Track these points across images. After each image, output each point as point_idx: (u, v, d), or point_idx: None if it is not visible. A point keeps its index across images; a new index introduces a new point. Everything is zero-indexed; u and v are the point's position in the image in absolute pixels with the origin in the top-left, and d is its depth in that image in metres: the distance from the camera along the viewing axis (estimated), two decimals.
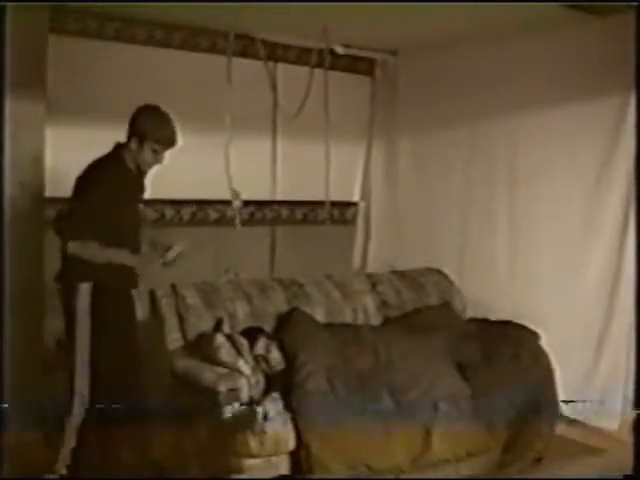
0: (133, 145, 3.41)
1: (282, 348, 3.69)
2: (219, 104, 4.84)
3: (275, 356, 3.65)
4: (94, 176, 3.39)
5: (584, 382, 4.38)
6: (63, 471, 3.36)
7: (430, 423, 3.63)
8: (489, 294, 4.79)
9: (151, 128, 3.41)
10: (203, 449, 3.42)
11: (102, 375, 3.32)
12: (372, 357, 3.85)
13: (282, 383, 3.54)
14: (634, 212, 4.15)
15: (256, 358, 3.63)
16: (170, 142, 3.48)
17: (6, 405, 3.40)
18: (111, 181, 3.37)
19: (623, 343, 4.22)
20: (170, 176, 4.68)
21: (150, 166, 3.52)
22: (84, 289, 3.31)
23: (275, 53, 5.17)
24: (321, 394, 3.50)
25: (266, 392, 3.51)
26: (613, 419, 4.24)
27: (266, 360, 3.63)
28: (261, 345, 3.67)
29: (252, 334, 3.77)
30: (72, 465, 3.35)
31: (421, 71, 5.39)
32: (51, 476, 3.36)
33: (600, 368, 4.37)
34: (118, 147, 3.46)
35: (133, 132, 3.42)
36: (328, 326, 4.09)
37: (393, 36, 5.05)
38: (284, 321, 3.98)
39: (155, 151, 3.45)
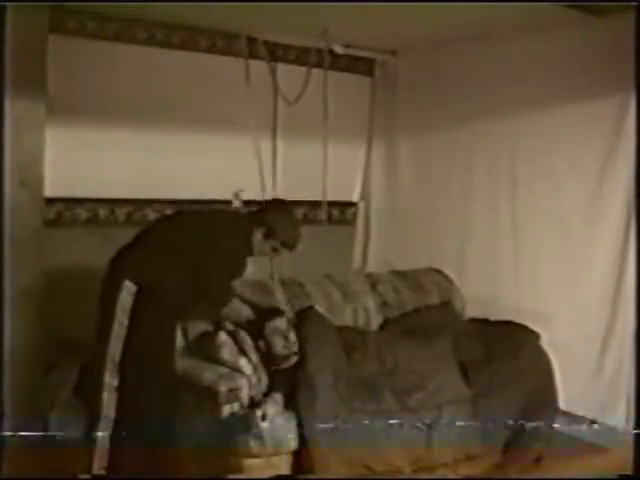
0: (259, 233, 3.47)
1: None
2: (218, 104, 4.84)
3: (292, 337, 3.63)
4: (224, 240, 3.41)
5: (589, 380, 4.38)
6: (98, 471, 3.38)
7: (433, 425, 3.63)
8: (491, 294, 4.79)
9: (281, 230, 3.49)
10: (203, 449, 3.42)
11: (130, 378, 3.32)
12: (377, 360, 3.84)
13: (287, 381, 3.54)
14: (636, 210, 4.15)
15: (276, 331, 3.60)
16: (292, 247, 3.57)
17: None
18: (233, 253, 3.44)
19: (628, 341, 4.21)
20: (170, 176, 4.72)
21: (262, 254, 3.60)
22: (128, 288, 3.29)
23: (275, 53, 5.18)
24: (326, 395, 3.49)
25: (269, 390, 3.50)
26: (617, 417, 4.24)
27: (285, 337, 3.60)
28: (281, 322, 3.65)
29: (271, 315, 3.73)
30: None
31: (421, 71, 5.39)
32: (83, 476, 3.36)
33: (605, 366, 4.36)
34: (251, 221, 3.51)
35: (261, 222, 3.48)
36: (336, 327, 4.08)
37: (393, 36, 5.05)
38: (295, 319, 3.98)
39: (275, 249, 3.53)
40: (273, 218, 3.50)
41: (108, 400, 3.30)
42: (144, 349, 3.30)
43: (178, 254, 3.37)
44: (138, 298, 3.28)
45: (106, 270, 3.41)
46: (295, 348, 3.60)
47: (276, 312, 3.74)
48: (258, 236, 3.48)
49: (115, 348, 3.28)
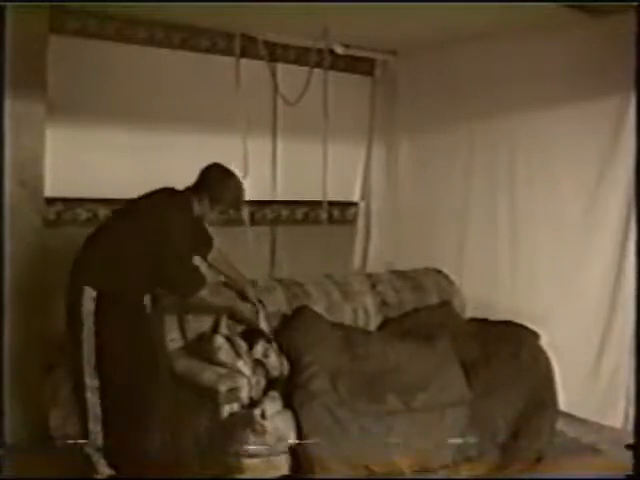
0: (204, 202, 3.49)
1: (282, 348, 3.69)
2: (219, 104, 4.84)
3: (272, 361, 3.63)
4: (167, 222, 3.38)
5: (587, 380, 4.38)
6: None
7: (434, 426, 3.63)
8: (490, 294, 4.79)
9: (224, 193, 3.51)
10: (203, 449, 3.42)
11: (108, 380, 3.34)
12: (377, 359, 3.84)
13: (285, 383, 3.54)
14: (635, 210, 4.15)
15: (253, 362, 3.62)
16: (239, 206, 3.73)
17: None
18: (183, 233, 3.40)
19: (626, 340, 4.21)
20: (170, 176, 4.71)
21: (212, 222, 3.63)
22: (89, 293, 3.30)
23: (275, 53, 5.17)
24: (324, 395, 3.49)
25: (266, 392, 3.50)
26: (616, 417, 4.24)
27: (263, 365, 3.61)
28: (259, 349, 3.66)
29: (252, 337, 3.76)
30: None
31: (421, 71, 5.39)
32: (99, 476, 3.37)
33: (603, 366, 4.36)
34: (189, 194, 3.51)
35: (204, 191, 3.49)
36: (334, 326, 4.08)
37: (393, 36, 5.05)
38: (291, 319, 3.97)
39: (223, 212, 3.60)
40: (214, 184, 3.51)
41: (92, 400, 3.32)
42: (118, 350, 3.32)
43: (128, 249, 3.37)
44: (100, 302, 3.30)
45: (67, 278, 3.42)
46: (276, 372, 3.62)
47: (254, 335, 3.75)
48: (204, 207, 3.50)
49: (89, 353, 3.30)
